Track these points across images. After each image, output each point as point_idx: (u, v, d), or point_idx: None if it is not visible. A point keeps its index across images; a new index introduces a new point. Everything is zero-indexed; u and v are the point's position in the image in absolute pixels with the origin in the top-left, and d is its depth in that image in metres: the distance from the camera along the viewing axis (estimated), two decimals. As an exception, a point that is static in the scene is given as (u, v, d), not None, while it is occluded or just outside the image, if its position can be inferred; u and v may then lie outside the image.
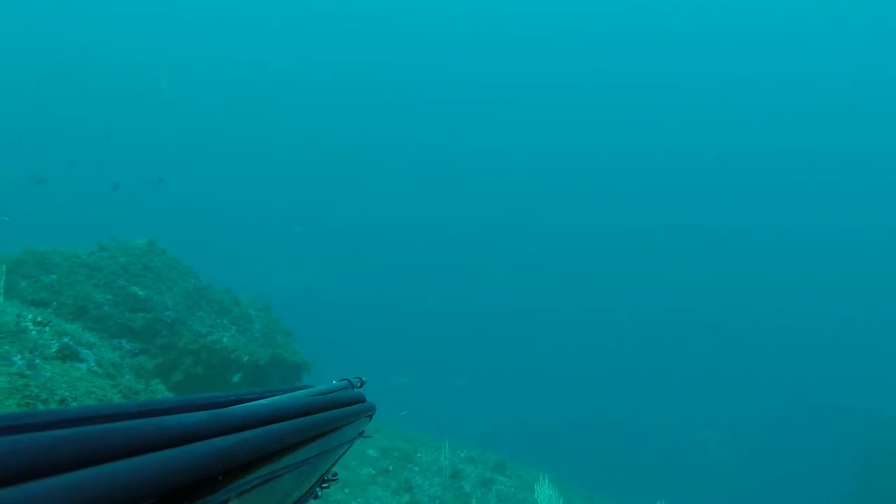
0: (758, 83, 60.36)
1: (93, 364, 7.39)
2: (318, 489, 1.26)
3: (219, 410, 0.70)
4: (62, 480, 0.46)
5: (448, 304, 54.71)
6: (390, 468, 12.49)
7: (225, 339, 12.37)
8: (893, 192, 57.31)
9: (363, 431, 1.52)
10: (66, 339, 7.24)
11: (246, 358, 12.32)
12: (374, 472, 12.07)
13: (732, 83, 61.05)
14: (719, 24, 58.41)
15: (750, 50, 58.90)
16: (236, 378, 11.63)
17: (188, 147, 62.84)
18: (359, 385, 1.58)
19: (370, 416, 1.48)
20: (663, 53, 61.42)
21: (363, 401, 1.42)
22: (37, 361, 6.42)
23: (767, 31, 57.59)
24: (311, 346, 16.51)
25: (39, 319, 7.27)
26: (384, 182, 67.75)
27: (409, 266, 60.97)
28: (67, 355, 7.11)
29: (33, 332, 7.01)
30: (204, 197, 60.85)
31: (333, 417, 1.07)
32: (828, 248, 57.85)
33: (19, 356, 6.33)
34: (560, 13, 61.17)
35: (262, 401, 0.93)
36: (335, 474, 1.45)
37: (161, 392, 8.47)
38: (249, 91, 64.89)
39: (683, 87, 62.49)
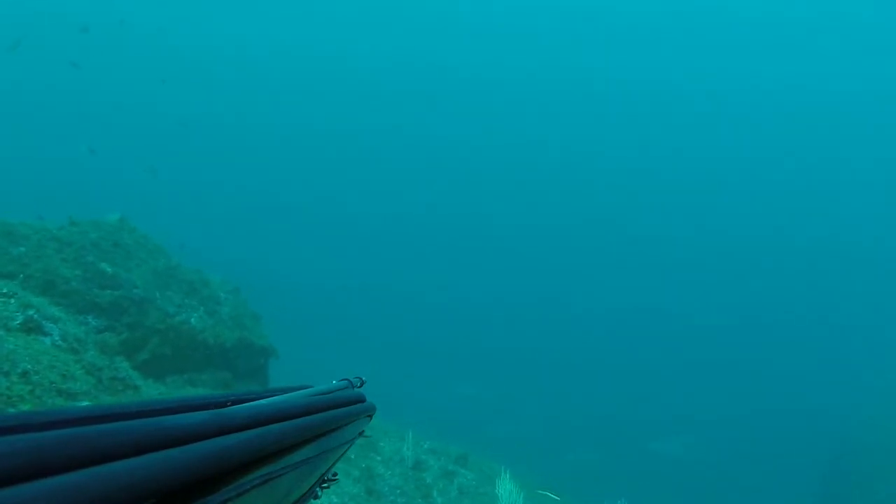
0: (759, 84, 60.94)
1: (57, 338, 7.33)
2: (317, 489, 1.27)
3: (219, 410, 0.70)
4: (62, 481, 0.46)
5: (420, 293, 54.81)
6: (352, 456, 12.46)
7: (193, 320, 12.28)
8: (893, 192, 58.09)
9: (363, 431, 1.53)
10: (31, 312, 7.16)
11: (212, 340, 12.25)
12: (336, 459, 12.05)
13: (733, 83, 61.62)
14: (723, 25, 58.96)
15: (754, 50, 59.48)
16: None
17: (173, 129, 62.34)
18: (359, 385, 1.59)
19: (370, 416, 1.49)
20: (665, 52, 61.90)
21: (363, 401, 1.43)
22: (0, 333, 6.35)
23: (774, 33, 58.19)
24: (280, 332, 16.47)
25: (5, 291, 7.18)
26: (372, 170, 67.79)
27: (390, 255, 61.03)
28: (32, 328, 7.04)
29: (-2, 303, 6.92)
30: (184, 178, 60.33)
31: (333, 417, 1.08)
32: (803, 250, 58.59)
33: (-18, 327, 6.26)
34: (569, 8, 61.39)
35: (262, 401, 0.93)
36: (335, 474, 1.46)
37: (125, 370, 8.37)
38: (233, 73, 64.41)
39: (684, 85, 62.95)
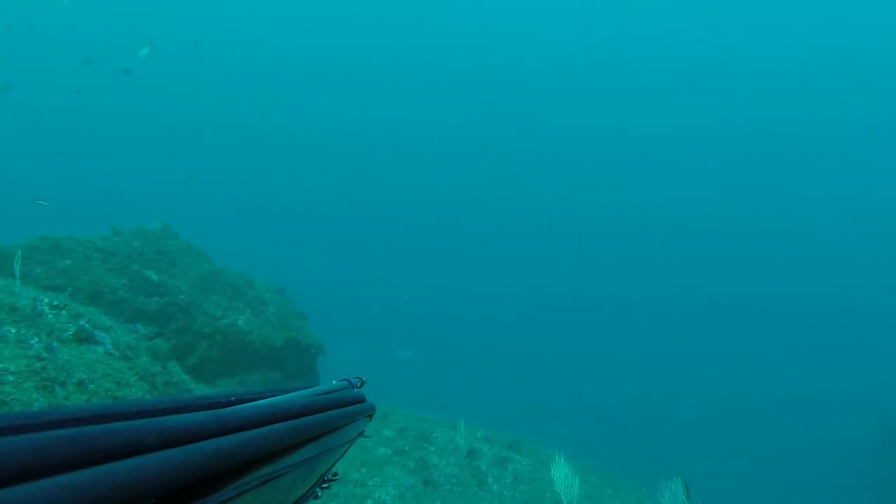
0: (754, 66, 59.68)
1: (109, 346, 7.42)
2: (318, 489, 1.27)
3: (219, 410, 0.70)
4: (62, 481, 0.46)
5: (456, 285, 54.92)
6: (406, 448, 12.53)
7: (240, 323, 12.40)
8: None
9: (363, 431, 1.53)
10: (82, 322, 7.27)
11: (260, 341, 12.36)
12: (390, 452, 12.12)
13: (727, 67, 60.46)
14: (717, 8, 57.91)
15: (750, 30, 58.29)
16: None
17: (207, 135, 63.06)
18: (359, 385, 1.59)
19: (370, 416, 1.48)
20: (658, 40, 60.96)
21: (363, 400, 1.43)
22: (54, 344, 6.45)
23: (767, 12, 56.95)
24: (323, 328, 16.59)
25: (56, 303, 7.31)
26: (381, 167, 68.02)
27: (420, 249, 61.24)
28: (84, 338, 7.14)
29: (49, 315, 7.04)
30: (219, 183, 61.06)
31: (333, 417, 1.08)
32: (856, 227, 57.43)
33: (36, 339, 6.37)
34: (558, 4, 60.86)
35: (263, 401, 0.93)
36: (335, 474, 1.46)
37: (178, 374, 8.51)
38: (261, 78, 64.84)
39: (675, 75, 61.98)
